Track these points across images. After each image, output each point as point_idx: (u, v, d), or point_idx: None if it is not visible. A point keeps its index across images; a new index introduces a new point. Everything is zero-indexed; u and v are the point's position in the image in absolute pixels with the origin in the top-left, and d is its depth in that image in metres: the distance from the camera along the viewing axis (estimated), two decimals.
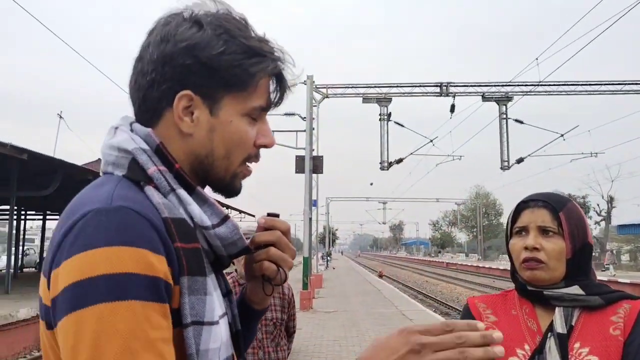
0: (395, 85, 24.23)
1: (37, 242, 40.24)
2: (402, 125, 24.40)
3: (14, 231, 21.49)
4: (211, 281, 0.91)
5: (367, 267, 58.29)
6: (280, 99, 1.01)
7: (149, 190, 0.88)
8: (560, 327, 1.39)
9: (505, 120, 24.55)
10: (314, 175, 22.32)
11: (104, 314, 0.74)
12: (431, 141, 24.90)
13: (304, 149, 19.99)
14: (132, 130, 0.95)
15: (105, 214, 0.80)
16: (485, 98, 23.91)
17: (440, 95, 23.52)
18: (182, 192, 0.91)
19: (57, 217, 25.90)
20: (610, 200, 55.56)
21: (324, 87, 23.18)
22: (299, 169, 19.86)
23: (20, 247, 25.98)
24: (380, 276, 37.46)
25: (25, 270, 28.47)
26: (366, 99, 24.08)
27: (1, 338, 11.73)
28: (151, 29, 0.97)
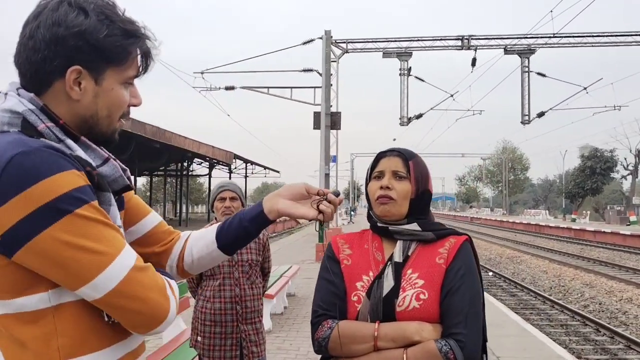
0: (416, 39, 23.78)
1: None
2: (422, 80, 24.20)
3: None
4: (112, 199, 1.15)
5: None
6: (146, 68, 1.24)
7: None
8: (397, 257, 1.67)
9: (527, 73, 24.14)
10: (334, 132, 22.47)
11: (74, 220, 1.01)
12: (451, 96, 24.68)
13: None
14: (19, 95, 1.13)
15: (33, 152, 1.00)
16: (507, 51, 23.41)
17: (462, 49, 23.15)
18: (69, 141, 1.11)
19: None
20: (639, 154, 54.10)
21: (344, 42, 22.96)
22: (316, 125, 20.08)
23: None
24: None
25: None
26: (386, 54, 23.75)
27: None
28: (37, 12, 1.13)
